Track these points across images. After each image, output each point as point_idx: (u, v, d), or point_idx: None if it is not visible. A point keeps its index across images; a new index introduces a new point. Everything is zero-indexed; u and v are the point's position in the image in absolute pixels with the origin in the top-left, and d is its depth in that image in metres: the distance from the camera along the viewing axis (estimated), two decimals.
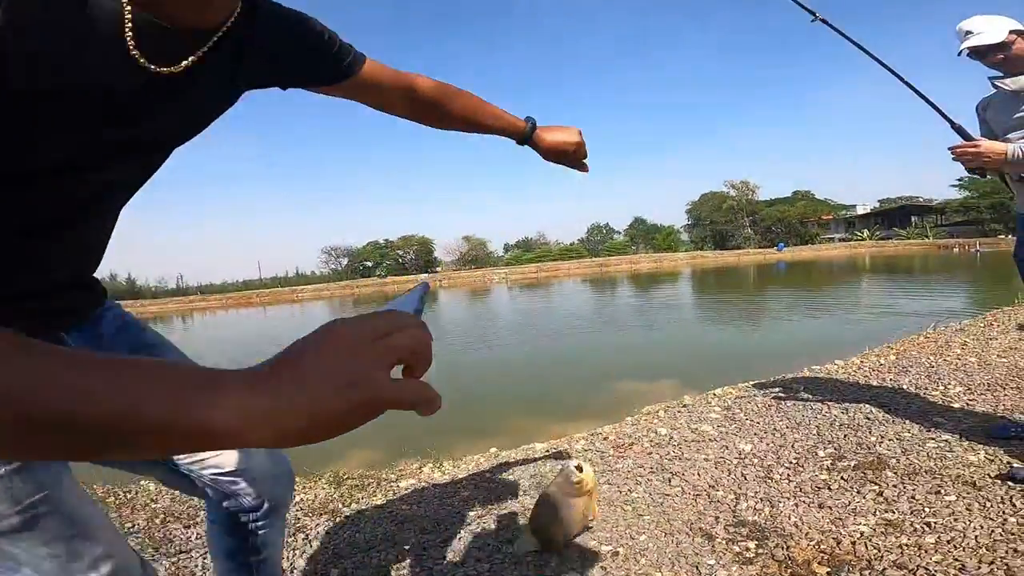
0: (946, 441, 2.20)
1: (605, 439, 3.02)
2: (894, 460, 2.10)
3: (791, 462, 2.26)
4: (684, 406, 3.35)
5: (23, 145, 0.57)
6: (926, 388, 3.07)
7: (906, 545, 1.54)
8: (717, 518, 1.90)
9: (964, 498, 1.73)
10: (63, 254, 0.71)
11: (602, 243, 55.02)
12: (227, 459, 0.91)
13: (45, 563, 0.64)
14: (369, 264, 52.23)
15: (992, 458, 1.98)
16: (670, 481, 2.29)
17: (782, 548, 1.63)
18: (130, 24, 0.56)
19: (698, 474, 2.32)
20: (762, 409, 3.01)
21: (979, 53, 1.83)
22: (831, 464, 2.17)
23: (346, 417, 0.33)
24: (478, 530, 1.99)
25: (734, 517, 1.89)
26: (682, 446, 2.69)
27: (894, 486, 1.89)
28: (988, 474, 1.87)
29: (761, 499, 1.98)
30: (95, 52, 0.56)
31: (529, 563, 1.70)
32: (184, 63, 0.62)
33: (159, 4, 0.57)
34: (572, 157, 1.20)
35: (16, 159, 0.57)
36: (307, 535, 2.14)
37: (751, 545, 1.68)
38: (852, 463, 2.14)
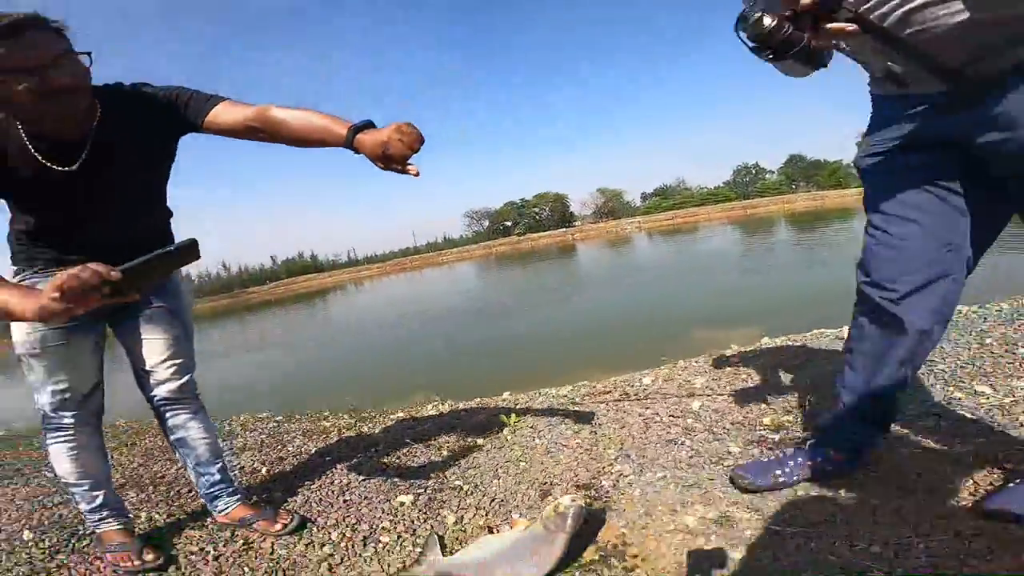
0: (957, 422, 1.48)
1: (593, 387, 2.72)
2: None
3: (723, 428, 1.75)
4: (707, 355, 2.81)
5: (23, 202, 1.20)
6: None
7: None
8: (574, 476, 1.61)
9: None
10: (90, 238, 1.23)
11: (752, 184, 49.12)
12: (138, 360, 1.39)
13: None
14: (508, 224, 53.65)
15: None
16: (578, 433, 1.95)
17: None
18: (26, 139, 1.11)
19: (612, 428, 1.93)
20: (783, 362, 2.37)
21: None
22: (760, 438, 1.61)
23: None
24: (395, 461, 2.02)
25: (589, 481, 1.56)
26: (644, 400, 2.27)
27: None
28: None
29: (637, 468, 1.58)
30: (16, 157, 1.11)
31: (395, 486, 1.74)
32: (75, 164, 1.15)
33: (39, 127, 1.10)
34: (392, 158, 0.99)
35: (22, 204, 1.21)
36: (274, 446, 2.44)
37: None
38: (786, 437, 1.56)
